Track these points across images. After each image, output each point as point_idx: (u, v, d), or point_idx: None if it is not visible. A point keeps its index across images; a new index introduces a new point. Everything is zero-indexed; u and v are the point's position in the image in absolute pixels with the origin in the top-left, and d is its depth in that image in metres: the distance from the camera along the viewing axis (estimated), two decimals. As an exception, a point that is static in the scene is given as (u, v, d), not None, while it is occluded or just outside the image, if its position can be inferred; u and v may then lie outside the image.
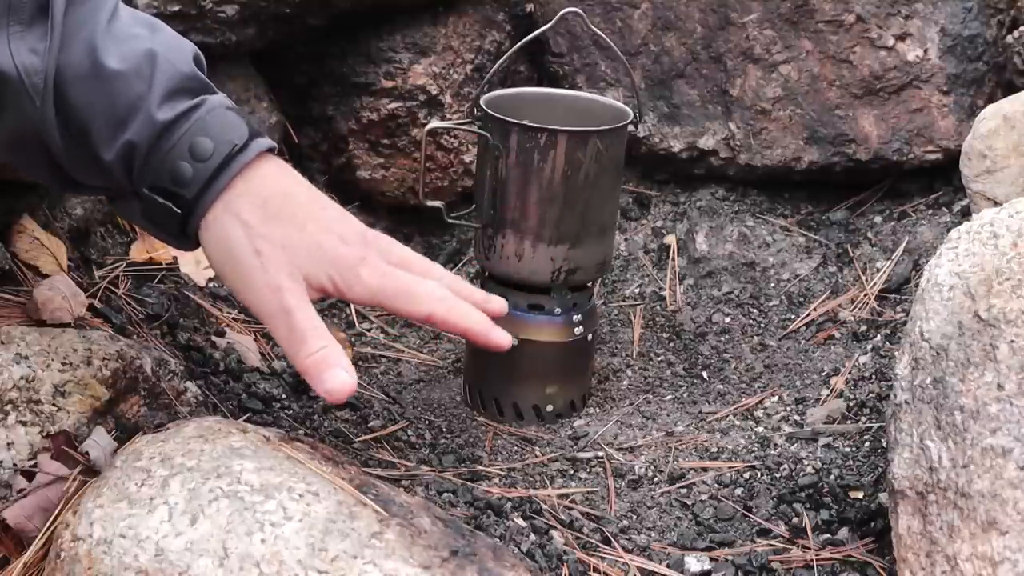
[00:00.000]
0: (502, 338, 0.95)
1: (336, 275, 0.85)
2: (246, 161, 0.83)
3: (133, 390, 0.99)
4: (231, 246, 0.83)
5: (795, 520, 1.02)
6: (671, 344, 1.41)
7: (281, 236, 0.83)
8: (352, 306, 1.44)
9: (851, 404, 1.20)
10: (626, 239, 1.59)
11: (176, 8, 1.32)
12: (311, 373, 0.84)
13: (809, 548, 0.98)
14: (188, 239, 0.87)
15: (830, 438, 1.15)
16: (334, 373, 0.84)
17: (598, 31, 1.24)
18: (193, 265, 1.34)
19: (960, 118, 1.52)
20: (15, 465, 0.89)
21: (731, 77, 1.57)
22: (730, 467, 1.12)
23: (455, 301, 0.92)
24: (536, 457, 1.16)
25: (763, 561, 0.96)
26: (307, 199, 0.87)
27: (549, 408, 1.23)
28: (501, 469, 1.12)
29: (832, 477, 1.07)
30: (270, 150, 0.86)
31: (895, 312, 1.37)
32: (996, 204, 1.15)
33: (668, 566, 0.96)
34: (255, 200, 0.83)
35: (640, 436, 1.20)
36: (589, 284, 1.25)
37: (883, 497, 0.99)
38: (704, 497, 1.07)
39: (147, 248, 1.31)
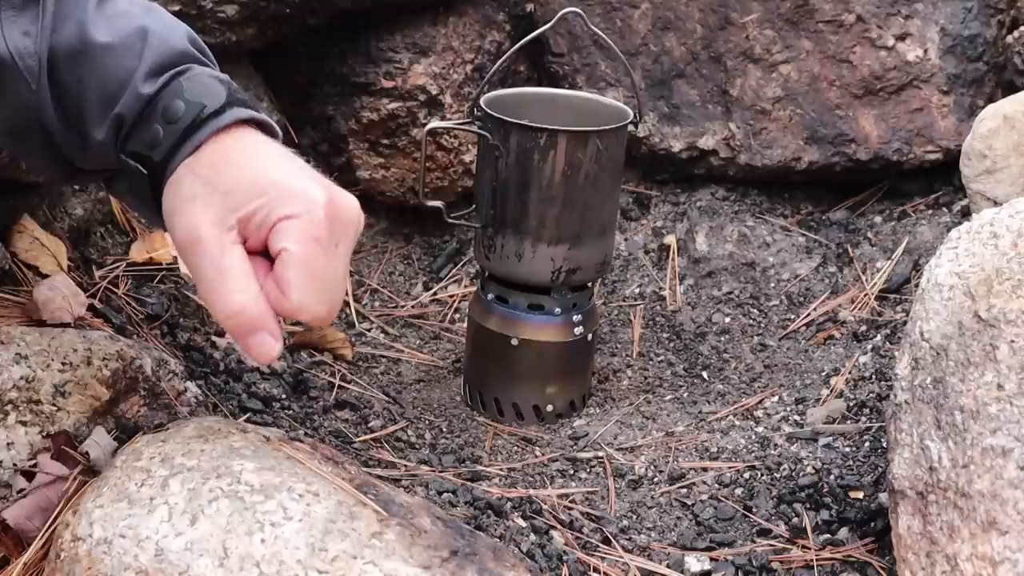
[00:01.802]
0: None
1: (260, 205, 0.74)
2: (220, 125, 0.78)
3: (133, 390, 0.99)
4: (174, 199, 0.77)
5: (795, 520, 1.02)
6: (671, 344, 1.41)
7: (225, 180, 0.75)
8: (352, 306, 1.44)
9: (851, 404, 1.20)
10: (626, 239, 1.59)
11: (176, 8, 1.32)
12: (234, 336, 0.75)
13: (809, 548, 0.98)
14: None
15: (830, 438, 1.15)
16: (259, 339, 0.74)
17: (598, 31, 1.24)
18: (193, 265, 1.34)
19: (960, 118, 1.52)
20: (15, 465, 0.89)
21: (731, 77, 1.57)
22: (730, 467, 1.12)
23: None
24: (536, 457, 1.16)
25: (763, 561, 0.96)
26: (277, 155, 0.79)
27: (549, 408, 1.23)
28: (501, 469, 1.12)
29: (832, 477, 1.07)
30: (255, 122, 0.80)
31: (895, 312, 1.37)
32: (996, 204, 1.15)
33: (668, 566, 0.96)
34: (219, 158, 0.77)
35: (640, 436, 1.20)
36: (589, 284, 1.25)
37: (883, 497, 0.99)
38: (704, 497, 1.07)
39: (147, 248, 1.31)
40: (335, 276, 0.76)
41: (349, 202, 0.78)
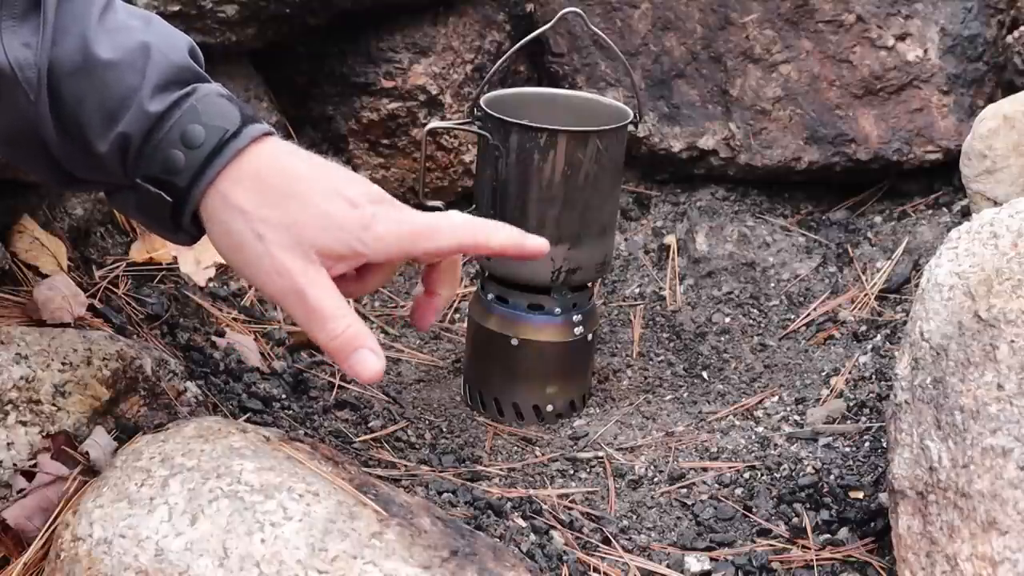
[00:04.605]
0: (537, 243, 0.91)
1: (354, 240, 0.82)
2: (239, 147, 0.81)
3: (133, 390, 0.99)
4: (233, 237, 0.82)
5: (795, 520, 1.02)
6: (671, 344, 1.41)
7: (283, 215, 0.81)
8: (351, 305, 1.44)
9: (851, 404, 1.20)
10: (626, 239, 1.59)
11: (176, 8, 1.32)
12: (337, 358, 0.82)
13: (809, 548, 0.98)
14: (183, 231, 0.85)
15: (830, 438, 1.15)
16: (361, 357, 0.81)
17: (598, 31, 1.24)
18: (193, 265, 1.34)
19: (960, 118, 1.52)
20: (15, 465, 0.89)
21: (731, 77, 1.57)
22: (730, 467, 1.12)
23: (478, 221, 0.88)
24: (536, 457, 1.16)
25: (763, 561, 0.96)
26: (308, 171, 0.84)
27: (549, 408, 1.23)
28: (501, 469, 1.12)
29: (832, 477, 1.07)
30: (267, 135, 0.84)
31: (895, 312, 1.37)
32: (996, 204, 1.15)
33: (668, 566, 0.96)
34: (252, 185, 0.81)
35: (640, 436, 1.20)
36: (589, 284, 1.25)
37: (883, 497, 0.99)
38: (704, 497, 1.07)
39: (147, 248, 1.31)
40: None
41: (389, 223, 0.84)
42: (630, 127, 1.20)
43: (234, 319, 1.31)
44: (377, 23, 1.55)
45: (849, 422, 1.17)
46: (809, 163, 1.56)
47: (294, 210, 0.81)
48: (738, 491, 1.08)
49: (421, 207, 1.26)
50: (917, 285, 1.08)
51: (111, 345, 0.99)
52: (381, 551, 0.78)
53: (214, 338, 1.25)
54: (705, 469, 1.12)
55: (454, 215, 0.88)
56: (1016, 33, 1.45)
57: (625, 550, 0.98)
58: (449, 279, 0.92)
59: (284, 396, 1.20)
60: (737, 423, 1.22)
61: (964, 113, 1.52)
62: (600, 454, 1.16)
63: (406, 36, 1.55)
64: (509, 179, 1.16)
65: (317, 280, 0.81)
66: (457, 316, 1.47)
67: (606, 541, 0.99)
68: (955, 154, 1.36)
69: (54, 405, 0.93)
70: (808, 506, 1.04)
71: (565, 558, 0.95)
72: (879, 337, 1.32)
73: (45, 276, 1.13)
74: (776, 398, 1.26)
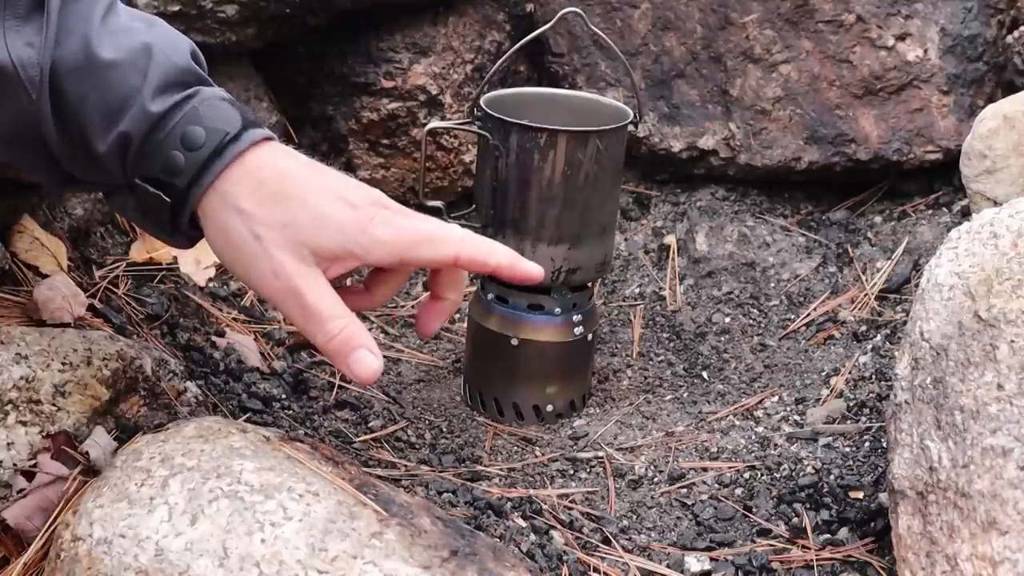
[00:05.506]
0: (533, 268, 0.90)
1: (349, 241, 0.82)
2: (239, 150, 0.81)
3: (133, 390, 0.99)
4: (230, 236, 0.82)
5: (795, 520, 1.02)
6: (671, 344, 1.41)
7: (280, 216, 0.81)
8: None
9: (851, 404, 1.20)
10: (626, 239, 1.59)
11: (176, 8, 1.32)
12: (335, 358, 0.83)
13: (809, 548, 0.98)
14: (180, 234, 0.85)
15: (830, 438, 1.15)
16: (359, 356, 0.82)
17: (598, 31, 1.24)
18: (193, 265, 1.34)
19: (960, 118, 1.52)
20: (15, 465, 0.89)
21: (731, 77, 1.57)
22: (730, 467, 1.12)
23: (477, 238, 0.88)
24: (536, 457, 1.16)
25: (763, 561, 0.96)
26: (308, 174, 0.84)
27: (549, 408, 1.23)
28: (501, 469, 1.12)
29: (832, 477, 1.07)
30: (267, 139, 0.84)
31: (895, 312, 1.37)
32: (996, 204, 1.15)
33: (668, 566, 0.96)
34: (251, 186, 0.81)
35: (640, 436, 1.20)
36: (589, 284, 1.25)
37: (883, 497, 0.99)
38: (704, 497, 1.07)
39: (147, 248, 1.31)
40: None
41: (386, 229, 0.84)
42: (630, 127, 1.20)
43: (234, 319, 1.31)
44: (377, 23, 1.55)
45: (849, 422, 1.17)
46: (809, 163, 1.56)
47: (292, 210, 0.81)
48: (738, 491, 1.08)
49: (421, 207, 1.27)
50: (917, 285, 1.08)
51: (111, 345, 0.99)
52: (381, 551, 0.78)
53: (214, 338, 1.25)
54: (705, 469, 1.12)
55: (455, 228, 0.87)
56: (1016, 33, 1.45)
57: (625, 550, 0.98)
58: (455, 283, 0.92)
59: (284, 396, 1.20)
60: (737, 423, 1.22)
61: (964, 113, 1.52)
62: (600, 454, 1.16)
63: (406, 36, 1.55)
64: (509, 179, 1.16)
65: (314, 281, 0.81)
66: (457, 316, 1.47)
67: (606, 541, 1.00)
68: (955, 154, 1.36)
69: (54, 405, 0.93)
70: (808, 506, 1.04)
71: (565, 558, 0.95)
72: (879, 337, 1.32)
73: (45, 276, 1.13)
74: (776, 398, 1.26)
